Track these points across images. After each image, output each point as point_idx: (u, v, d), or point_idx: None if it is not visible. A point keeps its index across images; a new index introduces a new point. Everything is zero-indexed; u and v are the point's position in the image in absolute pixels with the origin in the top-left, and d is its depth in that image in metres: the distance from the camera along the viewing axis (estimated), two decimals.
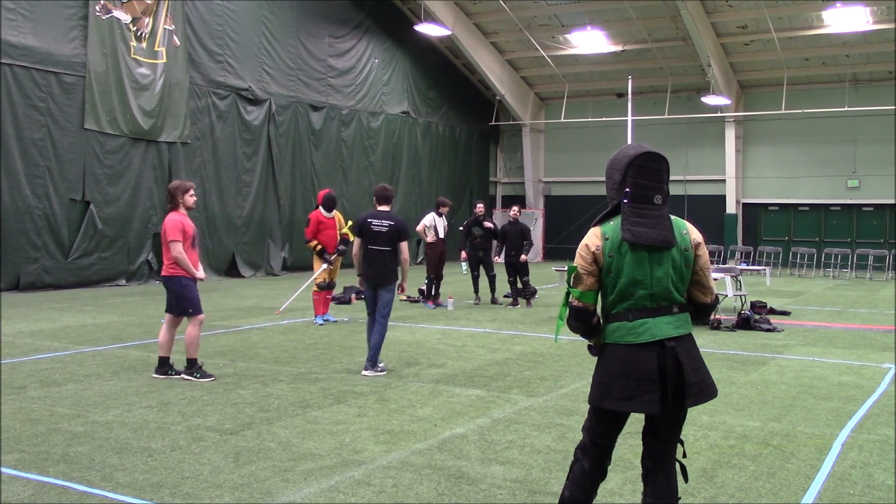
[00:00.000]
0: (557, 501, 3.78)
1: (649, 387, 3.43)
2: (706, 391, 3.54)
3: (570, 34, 25.73)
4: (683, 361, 3.46)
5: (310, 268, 22.19)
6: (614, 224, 3.56)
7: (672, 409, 3.49)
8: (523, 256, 14.35)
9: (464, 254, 14.66)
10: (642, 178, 3.52)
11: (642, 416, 3.66)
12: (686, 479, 3.70)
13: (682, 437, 3.66)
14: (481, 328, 11.69)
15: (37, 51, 16.12)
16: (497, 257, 14.89)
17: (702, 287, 3.65)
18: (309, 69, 22.67)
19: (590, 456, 3.65)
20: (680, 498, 3.64)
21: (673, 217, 3.60)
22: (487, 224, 14.70)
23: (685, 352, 3.49)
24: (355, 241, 8.49)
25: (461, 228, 15.13)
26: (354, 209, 22.51)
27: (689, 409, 3.63)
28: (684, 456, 3.72)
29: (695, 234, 3.63)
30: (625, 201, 3.53)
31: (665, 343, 3.46)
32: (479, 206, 15.29)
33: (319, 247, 11.67)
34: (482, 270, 14.82)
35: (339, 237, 11.87)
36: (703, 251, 3.64)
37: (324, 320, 11.85)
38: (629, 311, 3.51)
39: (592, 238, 3.58)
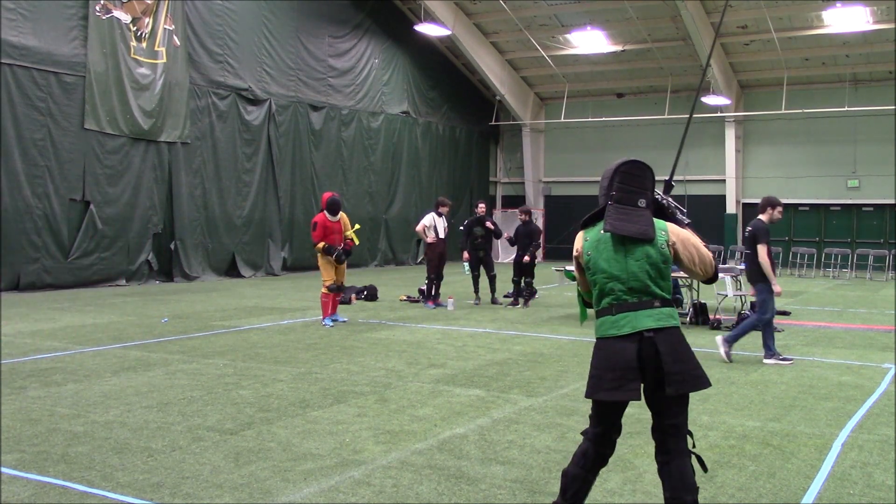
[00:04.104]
0: (560, 476, 3.92)
1: (631, 375, 3.63)
2: (690, 381, 3.67)
3: (570, 34, 25.72)
4: (662, 351, 3.63)
5: (311, 268, 22.36)
6: (597, 225, 3.85)
7: (658, 398, 3.67)
8: (526, 258, 14.36)
9: (466, 254, 14.68)
10: (627, 183, 3.81)
11: (646, 416, 3.78)
12: (704, 468, 3.83)
13: (690, 429, 3.78)
14: (481, 328, 11.69)
15: (37, 51, 16.12)
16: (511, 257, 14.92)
17: (693, 273, 3.86)
18: (309, 69, 22.67)
19: (591, 441, 3.85)
20: (698, 488, 3.72)
21: (656, 219, 3.81)
22: (488, 224, 14.72)
23: (665, 342, 3.65)
24: None
25: (461, 228, 15.13)
26: (354, 209, 22.55)
27: (691, 408, 3.69)
28: (693, 446, 3.79)
29: (672, 236, 3.80)
30: (610, 202, 3.79)
31: (644, 334, 3.64)
32: (480, 205, 15.28)
33: (326, 245, 11.57)
34: (482, 270, 14.83)
35: (344, 241, 11.80)
36: (682, 246, 3.79)
37: (332, 321, 11.82)
38: (612, 305, 3.74)
39: (577, 241, 3.93)
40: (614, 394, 3.65)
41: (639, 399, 3.65)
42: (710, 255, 3.85)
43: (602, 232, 3.78)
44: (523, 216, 14.99)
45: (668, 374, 3.60)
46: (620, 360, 3.64)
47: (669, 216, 3.92)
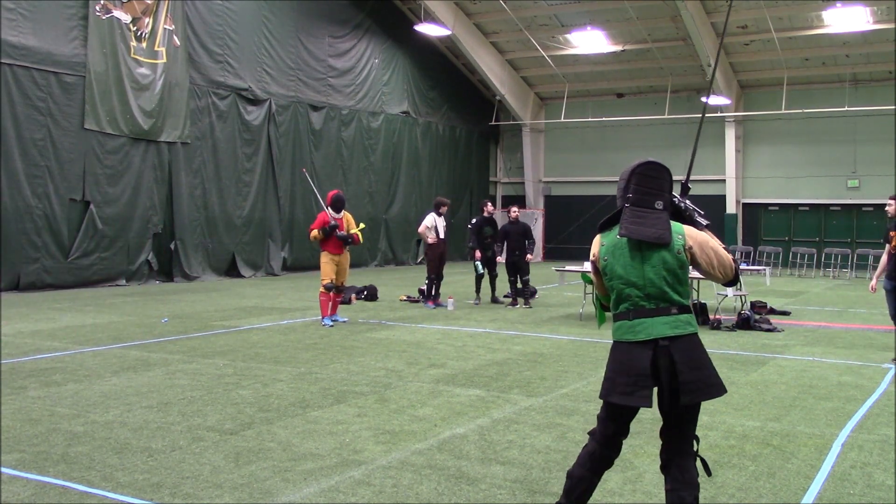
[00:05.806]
0: (565, 477, 3.89)
1: (644, 382, 3.62)
2: (704, 389, 3.63)
3: (570, 34, 25.71)
4: (677, 360, 3.60)
5: (311, 268, 22.37)
6: (614, 229, 3.80)
7: (671, 407, 3.64)
8: (529, 256, 14.35)
9: (478, 253, 14.65)
10: (643, 185, 3.76)
11: (650, 415, 3.77)
12: (708, 472, 3.80)
13: (697, 434, 3.75)
14: (481, 328, 11.69)
15: (37, 51, 16.11)
16: (499, 257, 14.92)
17: (712, 277, 3.81)
18: (309, 69, 22.67)
19: (598, 441, 3.83)
20: (699, 486, 3.71)
21: (673, 222, 3.75)
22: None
23: (681, 351, 3.62)
24: None
25: (469, 227, 15.13)
26: (354, 209, 22.48)
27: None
28: (698, 451, 3.77)
29: (689, 240, 3.74)
30: (626, 205, 3.73)
31: (659, 342, 3.62)
32: (489, 205, 15.23)
33: (327, 227, 11.49)
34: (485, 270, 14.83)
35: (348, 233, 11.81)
36: (699, 249, 3.74)
37: (332, 321, 11.81)
38: (629, 311, 3.71)
39: (594, 245, 3.90)
40: (627, 399, 3.65)
41: (650, 406, 3.64)
42: (730, 257, 3.79)
43: (618, 237, 3.74)
44: (516, 213, 14.96)
45: (683, 382, 3.58)
46: (634, 366, 3.63)
47: (687, 219, 3.86)
